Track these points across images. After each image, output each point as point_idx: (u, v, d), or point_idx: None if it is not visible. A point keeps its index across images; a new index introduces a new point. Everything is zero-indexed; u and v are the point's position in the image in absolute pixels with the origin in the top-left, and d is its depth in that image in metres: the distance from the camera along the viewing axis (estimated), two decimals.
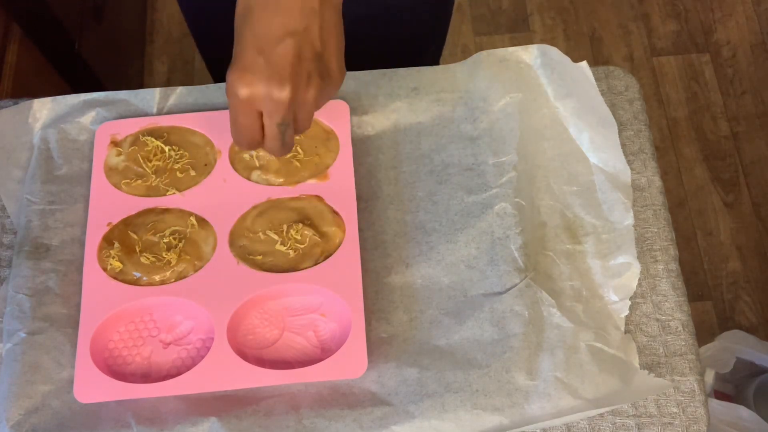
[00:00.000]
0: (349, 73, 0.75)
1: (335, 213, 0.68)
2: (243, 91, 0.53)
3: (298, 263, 0.66)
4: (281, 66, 0.52)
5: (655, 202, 0.72)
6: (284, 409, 0.62)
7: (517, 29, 1.80)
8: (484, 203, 0.70)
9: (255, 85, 0.53)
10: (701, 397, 0.65)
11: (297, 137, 0.71)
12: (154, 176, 0.71)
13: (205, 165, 0.71)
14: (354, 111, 0.73)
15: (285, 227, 0.68)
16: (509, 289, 0.66)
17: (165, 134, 0.72)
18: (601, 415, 0.64)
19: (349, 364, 0.62)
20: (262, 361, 0.65)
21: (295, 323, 0.66)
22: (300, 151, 0.71)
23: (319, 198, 0.69)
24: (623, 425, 0.64)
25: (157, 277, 0.66)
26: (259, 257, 0.67)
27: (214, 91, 0.75)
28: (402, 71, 0.75)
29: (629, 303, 0.67)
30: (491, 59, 0.75)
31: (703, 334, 1.45)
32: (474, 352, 0.64)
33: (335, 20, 0.55)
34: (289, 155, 0.70)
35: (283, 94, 0.53)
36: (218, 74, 1.05)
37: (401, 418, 0.61)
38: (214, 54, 1.01)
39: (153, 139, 0.71)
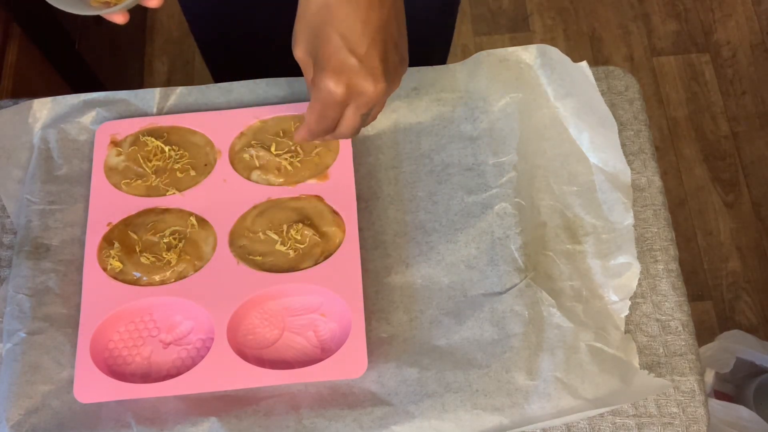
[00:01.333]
0: None
1: (335, 213, 0.68)
2: (340, 91, 0.54)
3: (298, 263, 0.66)
4: (374, 65, 0.53)
5: (655, 202, 0.72)
6: (284, 409, 0.62)
7: (517, 29, 1.80)
8: (484, 203, 0.70)
9: (351, 85, 0.54)
10: (701, 397, 0.65)
11: (290, 142, 0.71)
12: (154, 176, 0.71)
13: (205, 165, 0.71)
14: None
15: (285, 227, 0.68)
16: (509, 289, 0.66)
17: (165, 134, 0.72)
18: (601, 415, 0.64)
19: (349, 364, 0.62)
20: (262, 361, 0.65)
21: (295, 323, 0.66)
22: (300, 151, 0.71)
23: (319, 198, 0.69)
24: (623, 425, 0.64)
25: (157, 277, 0.66)
26: (259, 257, 0.67)
27: (214, 91, 0.75)
28: None
29: (629, 303, 0.67)
30: (491, 59, 0.75)
31: (703, 334, 1.45)
32: (474, 352, 0.64)
33: (401, 6, 0.56)
34: (288, 155, 0.70)
35: (379, 89, 0.54)
36: (220, 76, 1.05)
37: (401, 418, 0.61)
38: (217, 57, 1.01)
39: (153, 139, 0.71)
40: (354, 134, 0.60)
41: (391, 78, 0.55)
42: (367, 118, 0.59)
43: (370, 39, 0.52)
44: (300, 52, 0.55)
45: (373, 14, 0.52)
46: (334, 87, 0.54)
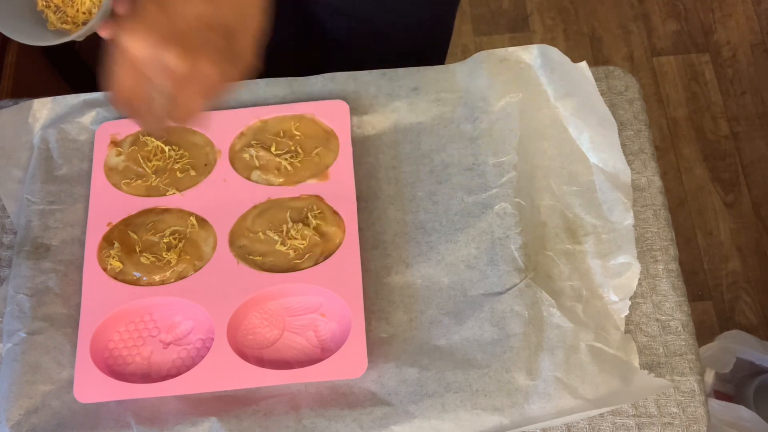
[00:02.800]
0: (349, 73, 0.75)
1: (335, 213, 0.68)
2: (134, 46, 0.47)
3: (298, 263, 0.66)
4: (184, 30, 0.47)
5: (655, 202, 0.72)
6: (284, 409, 0.62)
7: (517, 29, 1.79)
8: (484, 203, 0.70)
9: (148, 43, 0.47)
10: (701, 397, 0.65)
11: (290, 142, 0.71)
12: (154, 176, 0.71)
13: (205, 165, 0.71)
14: (354, 111, 0.73)
15: (285, 227, 0.68)
16: (509, 289, 0.66)
17: (165, 134, 0.72)
18: (601, 415, 0.64)
19: (349, 364, 0.62)
20: (262, 361, 0.65)
21: (295, 323, 0.66)
22: (300, 151, 0.71)
23: (319, 198, 0.69)
24: (623, 425, 0.64)
25: (157, 277, 0.66)
26: (259, 257, 0.67)
27: None
28: (402, 71, 0.75)
29: (629, 303, 0.67)
30: (491, 59, 0.75)
31: (703, 334, 1.44)
32: (474, 352, 0.64)
33: (257, 7, 0.50)
34: (288, 155, 0.70)
35: (176, 62, 0.47)
36: None
37: (401, 418, 0.61)
38: None
39: (153, 139, 0.71)
40: (156, 122, 0.52)
41: (191, 53, 0.47)
42: (159, 99, 0.49)
43: (194, 4, 0.47)
44: None
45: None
46: (129, 36, 0.47)
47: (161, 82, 0.48)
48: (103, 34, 0.60)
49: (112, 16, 0.59)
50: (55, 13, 0.63)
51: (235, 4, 0.49)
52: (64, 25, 0.63)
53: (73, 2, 0.63)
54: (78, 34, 0.60)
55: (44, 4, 0.64)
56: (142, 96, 0.50)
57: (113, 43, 0.49)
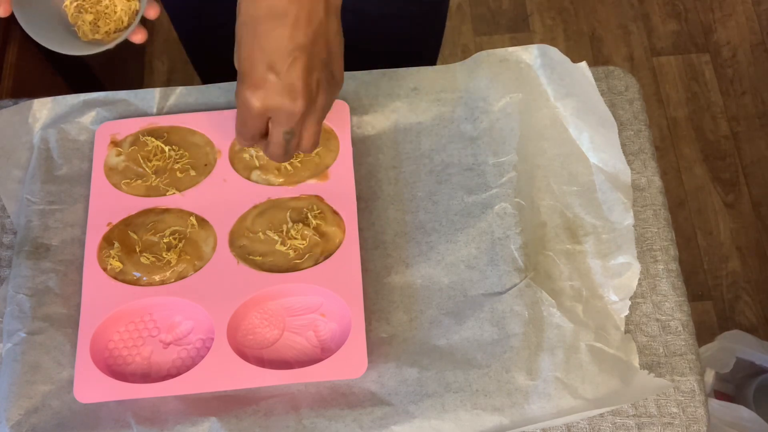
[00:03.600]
0: (349, 73, 0.75)
1: (335, 213, 0.68)
2: (256, 105, 0.54)
3: (298, 263, 0.66)
4: (293, 82, 0.53)
5: (655, 202, 0.72)
6: (284, 409, 0.62)
7: (517, 29, 1.80)
8: (484, 203, 0.70)
9: (267, 99, 0.53)
10: (701, 397, 0.65)
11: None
12: (154, 176, 0.71)
13: (205, 165, 0.71)
14: (354, 111, 0.73)
15: (285, 227, 0.68)
16: (509, 289, 0.66)
17: (165, 134, 0.72)
18: (601, 415, 0.64)
19: (349, 364, 0.62)
20: (262, 361, 0.65)
21: (295, 323, 0.66)
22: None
23: (319, 198, 0.69)
24: (623, 425, 0.64)
25: (157, 277, 0.66)
26: (259, 257, 0.67)
27: (214, 91, 0.75)
28: (402, 71, 0.75)
29: (629, 303, 0.67)
30: (491, 59, 0.75)
31: (703, 334, 1.44)
32: (474, 352, 0.64)
33: (337, 27, 0.55)
34: None
35: (296, 108, 0.54)
36: (203, 71, 1.05)
37: (401, 418, 0.61)
38: (201, 52, 1.01)
39: (153, 139, 0.71)
40: (283, 153, 0.59)
41: (313, 97, 0.55)
42: (292, 138, 0.57)
43: (292, 57, 0.52)
44: (235, 62, 0.55)
45: (299, 32, 0.52)
46: (250, 99, 0.54)
47: (288, 125, 0.56)
48: (135, 39, 0.64)
49: (141, 21, 0.62)
50: (88, 24, 0.65)
51: (324, 38, 0.54)
52: (96, 36, 0.65)
53: (107, 16, 0.64)
54: (113, 44, 0.62)
55: (76, 16, 0.65)
56: (273, 138, 0.57)
57: (237, 99, 0.55)
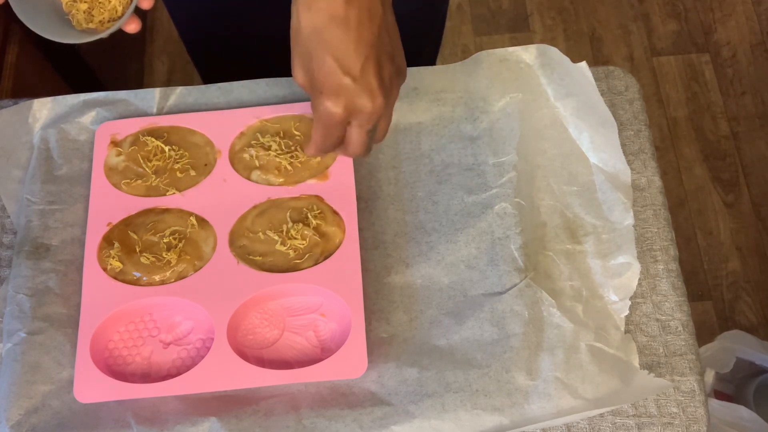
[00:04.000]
0: None
1: (335, 213, 0.68)
2: (338, 111, 0.54)
3: (298, 263, 0.66)
4: (370, 81, 0.53)
5: (655, 202, 0.72)
6: (284, 409, 0.62)
7: (517, 29, 1.79)
8: (484, 203, 0.70)
9: (349, 105, 0.54)
10: (701, 397, 0.65)
11: (290, 142, 0.71)
12: (154, 176, 0.71)
13: (205, 165, 0.71)
14: None
15: (285, 227, 0.68)
16: (509, 289, 0.66)
17: (165, 134, 0.72)
18: (601, 415, 0.64)
19: (349, 364, 0.62)
20: (262, 361, 0.65)
21: (295, 323, 0.66)
22: (300, 151, 0.71)
23: (319, 198, 0.69)
24: (623, 425, 0.64)
25: (157, 277, 0.66)
26: (259, 257, 0.67)
27: (214, 91, 0.75)
28: None
29: (629, 303, 0.67)
30: (491, 59, 0.75)
31: (703, 334, 1.44)
32: (474, 352, 0.64)
33: (393, 18, 0.55)
34: (288, 155, 0.70)
35: (377, 105, 0.54)
36: (207, 74, 1.05)
37: (401, 418, 0.61)
38: (204, 55, 1.01)
39: (153, 139, 0.71)
40: (365, 151, 0.59)
41: (388, 91, 0.55)
42: (374, 133, 0.58)
43: (363, 57, 0.52)
44: (299, 78, 0.55)
45: (364, 31, 0.52)
46: (332, 108, 0.54)
47: (370, 124, 0.56)
48: (129, 29, 0.64)
49: (135, 11, 0.62)
50: (83, 13, 0.65)
51: (387, 33, 0.54)
52: (90, 25, 0.65)
53: (101, 5, 0.64)
54: (107, 33, 0.62)
55: (71, 5, 0.65)
56: (356, 138, 0.57)
57: (315, 110, 0.55)
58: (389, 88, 0.55)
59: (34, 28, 0.63)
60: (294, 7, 0.53)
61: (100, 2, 0.65)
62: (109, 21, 0.65)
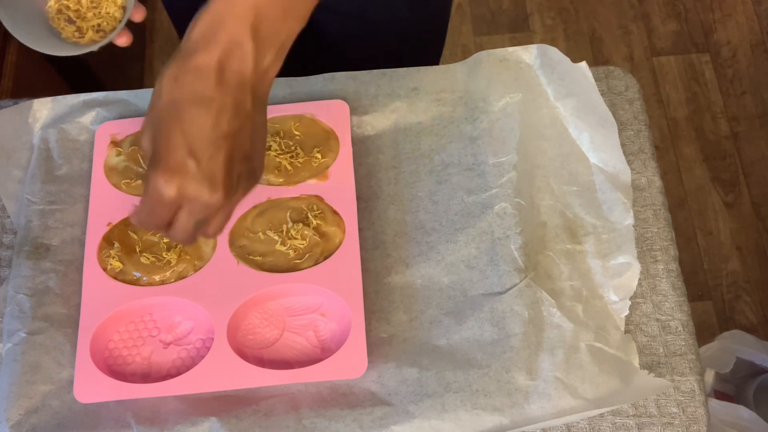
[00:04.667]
0: (349, 73, 0.75)
1: (335, 213, 0.68)
2: (170, 192, 0.49)
3: (298, 263, 0.66)
4: (215, 172, 0.50)
5: (655, 202, 0.72)
6: (284, 409, 0.62)
7: (517, 29, 1.79)
8: (484, 203, 0.70)
9: (185, 188, 0.49)
10: (701, 397, 0.65)
11: (290, 142, 0.71)
12: None
13: None
14: (354, 111, 0.73)
15: (285, 227, 0.68)
16: (509, 289, 0.66)
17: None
18: (601, 415, 0.64)
19: (349, 364, 0.62)
20: (262, 361, 0.65)
21: (295, 323, 0.66)
22: (300, 151, 0.71)
23: (319, 198, 0.69)
24: (623, 425, 0.64)
25: (157, 277, 0.66)
26: (259, 257, 0.67)
27: None
28: (402, 71, 0.75)
29: (629, 303, 0.67)
30: (491, 59, 0.75)
31: (703, 334, 1.44)
32: (474, 352, 0.64)
33: (263, 120, 0.53)
34: (288, 155, 0.70)
35: (214, 199, 0.50)
36: None
37: (401, 418, 0.61)
38: None
39: None
40: (189, 240, 0.54)
41: (232, 190, 0.52)
42: (203, 226, 0.53)
43: (215, 146, 0.49)
44: (144, 144, 0.51)
45: (224, 121, 0.49)
46: (164, 187, 0.49)
47: (201, 215, 0.52)
48: (119, 42, 0.63)
49: (127, 25, 0.62)
50: (71, 24, 0.65)
51: (249, 129, 0.51)
52: (80, 40, 0.65)
53: (87, 20, 0.64)
54: (97, 46, 0.62)
55: (57, 17, 0.65)
56: (182, 225, 0.53)
57: (147, 182, 0.51)
58: (234, 187, 0.52)
59: (24, 40, 0.63)
60: (162, 73, 0.50)
61: (86, 18, 0.65)
62: (99, 30, 0.65)
